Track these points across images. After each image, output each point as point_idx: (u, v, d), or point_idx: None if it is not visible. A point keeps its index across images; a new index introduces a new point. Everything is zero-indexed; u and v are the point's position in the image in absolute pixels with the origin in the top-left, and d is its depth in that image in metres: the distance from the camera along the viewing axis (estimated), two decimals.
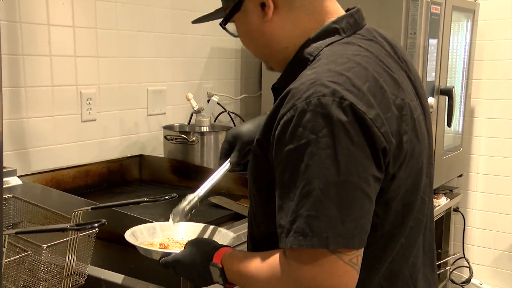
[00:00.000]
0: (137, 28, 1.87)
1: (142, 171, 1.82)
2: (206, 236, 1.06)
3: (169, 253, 0.93)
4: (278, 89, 0.84)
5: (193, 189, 1.76)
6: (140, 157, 1.84)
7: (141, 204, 1.12)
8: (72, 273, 1.05)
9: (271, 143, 0.75)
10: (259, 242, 0.88)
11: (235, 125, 2.25)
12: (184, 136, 1.77)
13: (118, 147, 1.85)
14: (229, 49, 2.32)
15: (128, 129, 1.88)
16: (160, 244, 1.04)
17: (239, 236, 1.17)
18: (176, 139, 1.78)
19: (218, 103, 2.03)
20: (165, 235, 1.09)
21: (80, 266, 1.06)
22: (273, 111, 0.77)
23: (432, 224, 0.94)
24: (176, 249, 1.01)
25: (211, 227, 1.10)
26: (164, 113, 2.01)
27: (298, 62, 0.81)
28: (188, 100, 1.87)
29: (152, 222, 1.14)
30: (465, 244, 2.56)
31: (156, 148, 1.97)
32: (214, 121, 2.19)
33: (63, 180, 1.58)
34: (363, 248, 0.73)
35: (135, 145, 1.91)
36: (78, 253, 1.04)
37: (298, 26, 0.82)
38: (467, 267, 2.49)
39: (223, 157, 1.07)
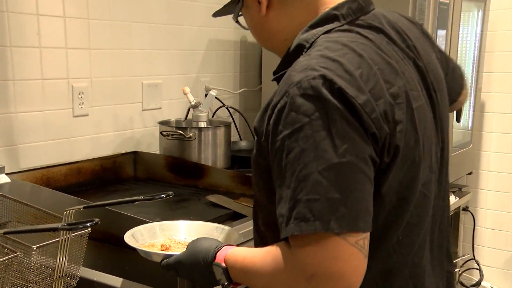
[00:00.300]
0: (132, 19, 1.87)
1: (137, 169, 1.82)
2: (208, 235, 1.07)
3: (170, 255, 0.94)
4: (276, 76, 0.87)
5: (189, 187, 1.76)
6: (135, 154, 1.84)
7: (136, 203, 1.12)
8: (64, 275, 1.05)
9: (267, 132, 0.77)
10: (265, 233, 0.89)
11: (234, 121, 2.25)
12: (180, 132, 1.77)
13: (111, 143, 1.85)
14: (227, 41, 2.31)
15: (122, 125, 1.88)
16: (162, 245, 1.05)
17: (239, 235, 1.17)
18: (172, 135, 1.78)
19: (216, 98, 2.03)
20: (166, 235, 1.10)
21: (72, 268, 1.06)
22: (269, 99, 0.79)
23: (444, 224, 0.94)
24: (178, 250, 1.01)
25: (214, 225, 1.11)
26: (160, 108, 2.01)
27: (295, 49, 0.84)
28: (185, 94, 1.87)
29: (150, 222, 1.13)
30: (475, 245, 2.56)
31: (152, 145, 1.96)
32: (212, 116, 2.19)
33: (54, 178, 1.58)
34: (369, 233, 0.73)
35: (129, 141, 1.91)
36: (69, 254, 1.04)
37: (294, 19, 0.87)
38: (477, 269, 2.50)
39: None
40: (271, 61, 2.23)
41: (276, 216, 0.76)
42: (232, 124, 2.12)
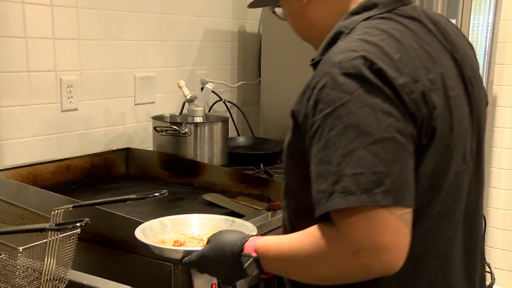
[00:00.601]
0: (124, 8, 1.86)
1: (129, 166, 1.82)
2: (217, 227, 1.08)
3: (191, 251, 0.95)
4: (314, 62, 0.91)
5: (185, 186, 1.76)
6: (127, 150, 1.83)
7: (128, 202, 1.12)
8: (52, 278, 1.05)
9: (306, 113, 0.81)
10: (294, 221, 0.92)
11: (231, 115, 2.24)
12: (175, 127, 1.77)
13: (102, 139, 1.84)
14: (225, 31, 2.31)
15: (113, 120, 1.88)
16: (175, 242, 1.06)
17: (254, 227, 1.16)
18: (166, 130, 1.78)
19: (213, 91, 2.02)
20: (177, 230, 1.11)
21: (60, 271, 1.06)
22: (308, 82, 0.84)
23: (479, 221, 0.98)
24: (193, 245, 1.03)
25: (223, 217, 1.12)
26: (153, 102, 2.01)
27: (334, 35, 0.89)
28: (180, 87, 1.87)
29: (143, 221, 1.13)
30: (485, 247, 2.56)
31: (145, 141, 1.96)
32: (209, 111, 2.18)
33: (41, 176, 1.57)
34: (411, 209, 0.76)
35: (121, 137, 1.90)
36: (58, 256, 1.03)
37: (336, 8, 0.92)
38: (488, 272, 2.50)
39: None
40: (271, 53, 2.25)
41: (308, 202, 0.79)
42: (230, 119, 2.12)
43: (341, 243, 0.75)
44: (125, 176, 1.81)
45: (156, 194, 1.11)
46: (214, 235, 0.96)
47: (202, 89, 2.01)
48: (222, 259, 0.91)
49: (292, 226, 0.93)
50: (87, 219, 0.97)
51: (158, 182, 1.73)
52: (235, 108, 2.28)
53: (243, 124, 2.33)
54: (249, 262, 0.87)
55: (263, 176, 1.73)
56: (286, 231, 0.96)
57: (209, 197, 1.51)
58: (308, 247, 0.80)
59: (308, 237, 0.80)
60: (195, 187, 1.68)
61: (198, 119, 1.89)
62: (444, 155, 0.83)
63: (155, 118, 1.87)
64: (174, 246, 1.04)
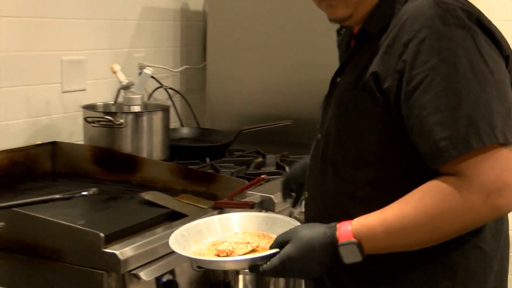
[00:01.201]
0: None
1: (56, 162, 1.80)
2: (259, 226, 1.11)
3: (257, 258, 0.96)
4: (367, 31, 1.00)
5: (120, 183, 1.73)
6: (53, 144, 1.81)
7: (51, 202, 1.12)
8: None
9: (399, 71, 0.91)
10: (364, 195, 0.98)
11: (173, 104, 2.23)
12: (109, 117, 1.76)
13: (23, 132, 1.80)
14: (165, 9, 2.30)
15: (36, 110, 1.84)
16: (220, 251, 1.03)
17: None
18: (99, 121, 1.77)
19: (152, 77, 2.03)
20: (212, 233, 1.10)
21: None
22: (388, 41, 0.94)
23: None
24: (244, 250, 1.02)
25: (255, 214, 1.14)
26: (84, 90, 1.98)
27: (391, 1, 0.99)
28: (114, 73, 1.86)
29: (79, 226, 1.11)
30: None
31: (74, 134, 1.94)
32: (148, 99, 2.18)
33: None
34: None
35: (46, 129, 1.87)
36: None
37: None
38: None
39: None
40: (218, 33, 2.24)
41: (386, 171, 0.93)
42: (172, 108, 2.12)
43: (472, 189, 0.84)
44: (51, 174, 1.78)
45: (84, 193, 1.12)
46: (288, 233, 0.97)
47: (140, 74, 2.00)
48: (311, 255, 0.93)
49: (359, 203, 0.98)
50: (2, 223, 0.96)
51: (90, 180, 1.71)
52: (178, 95, 2.29)
53: (187, 113, 2.34)
54: (350, 250, 0.91)
55: (209, 171, 1.73)
56: (346, 215, 0.96)
57: (148, 195, 1.49)
58: (430, 208, 0.87)
59: (426, 198, 0.87)
60: (132, 185, 1.67)
61: (136, 108, 1.87)
62: None
63: (86, 107, 1.85)
64: (221, 255, 1.02)
